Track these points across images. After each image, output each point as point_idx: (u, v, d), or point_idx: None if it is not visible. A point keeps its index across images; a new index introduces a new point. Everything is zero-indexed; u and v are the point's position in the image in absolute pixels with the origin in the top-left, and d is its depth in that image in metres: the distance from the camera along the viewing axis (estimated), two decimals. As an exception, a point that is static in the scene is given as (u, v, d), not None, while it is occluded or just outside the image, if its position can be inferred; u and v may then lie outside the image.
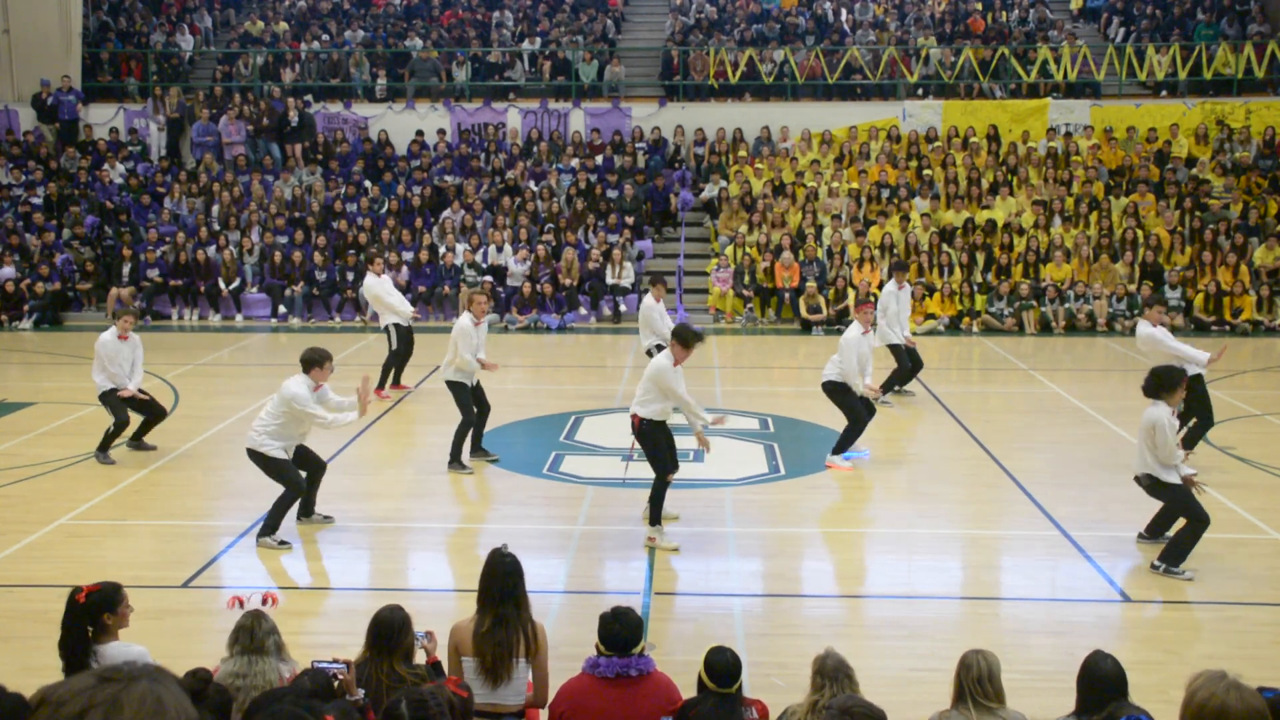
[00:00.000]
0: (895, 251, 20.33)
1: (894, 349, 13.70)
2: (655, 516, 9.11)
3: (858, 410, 11.18)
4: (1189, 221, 21.15)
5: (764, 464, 11.46)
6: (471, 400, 11.17)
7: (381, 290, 14.38)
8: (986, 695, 4.72)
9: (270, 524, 9.06)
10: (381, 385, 14.17)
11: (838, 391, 11.16)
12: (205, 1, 27.89)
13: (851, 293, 19.64)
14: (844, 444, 11.31)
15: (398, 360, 14.40)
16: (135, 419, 11.72)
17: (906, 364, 13.79)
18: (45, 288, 20.15)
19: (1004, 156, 22.86)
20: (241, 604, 5.51)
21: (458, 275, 20.54)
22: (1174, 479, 8.40)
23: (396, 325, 14.28)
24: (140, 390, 11.60)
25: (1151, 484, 8.52)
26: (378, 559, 9.15)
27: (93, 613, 5.19)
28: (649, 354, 12.24)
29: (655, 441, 9.03)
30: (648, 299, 12.97)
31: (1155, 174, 22.33)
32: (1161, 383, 8.44)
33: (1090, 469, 11.20)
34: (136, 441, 11.79)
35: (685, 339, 8.89)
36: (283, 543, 9.02)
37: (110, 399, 11.49)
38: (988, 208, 21.63)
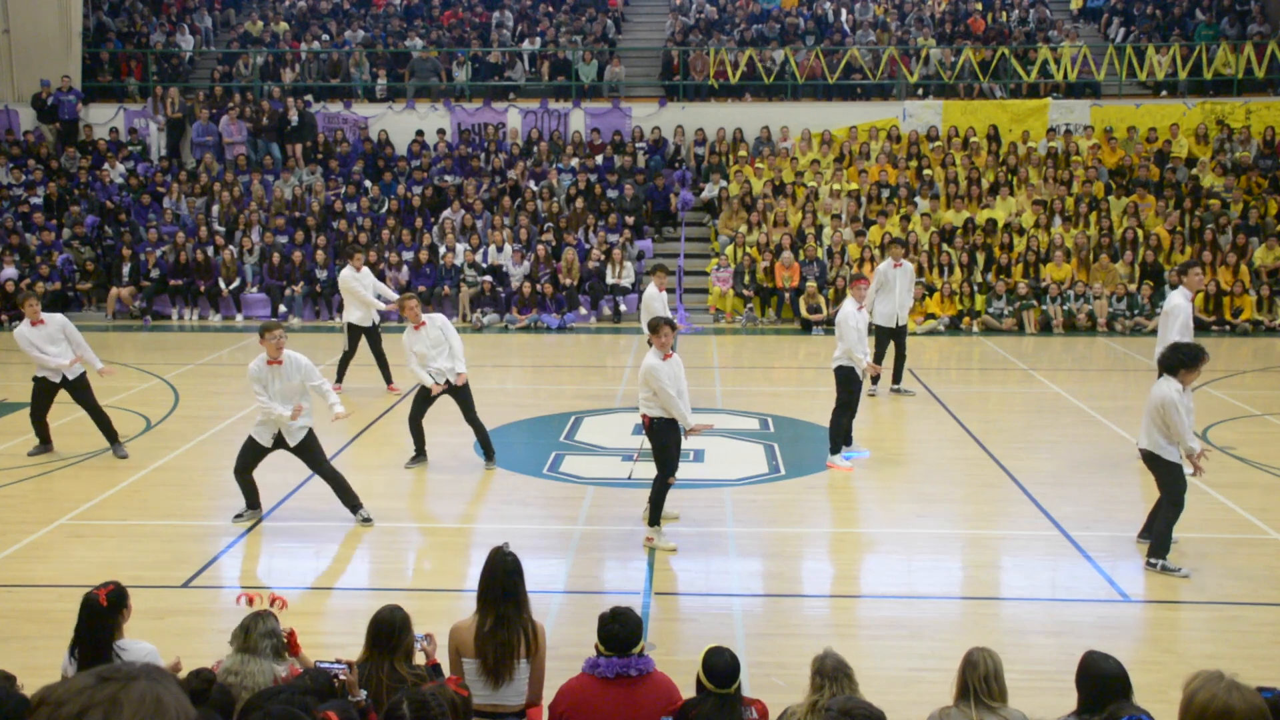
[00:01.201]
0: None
1: (878, 331, 13.83)
2: (655, 517, 9.10)
3: (848, 402, 11.20)
4: (1189, 221, 21.16)
5: (764, 464, 11.45)
6: (423, 403, 10.98)
7: (358, 286, 14.43)
8: (991, 693, 4.73)
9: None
10: (339, 380, 14.46)
11: (841, 377, 11.17)
12: (205, 1, 27.89)
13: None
14: (835, 441, 11.32)
15: (377, 360, 14.62)
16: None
17: (881, 346, 13.86)
18: (45, 288, 20.14)
19: (1004, 156, 22.86)
20: (251, 601, 5.52)
21: (458, 275, 20.54)
22: (1173, 457, 8.38)
23: (351, 325, 14.46)
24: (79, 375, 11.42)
25: (1151, 458, 8.50)
26: (378, 559, 9.15)
27: (113, 612, 5.29)
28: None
29: (665, 440, 8.98)
30: (650, 289, 12.98)
31: (1155, 174, 22.34)
32: (1181, 359, 8.27)
33: (1090, 469, 11.20)
34: (115, 446, 11.62)
35: (651, 327, 9.09)
36: (238, 516, 9.57)
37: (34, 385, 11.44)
38: (988, 208, 21.63)
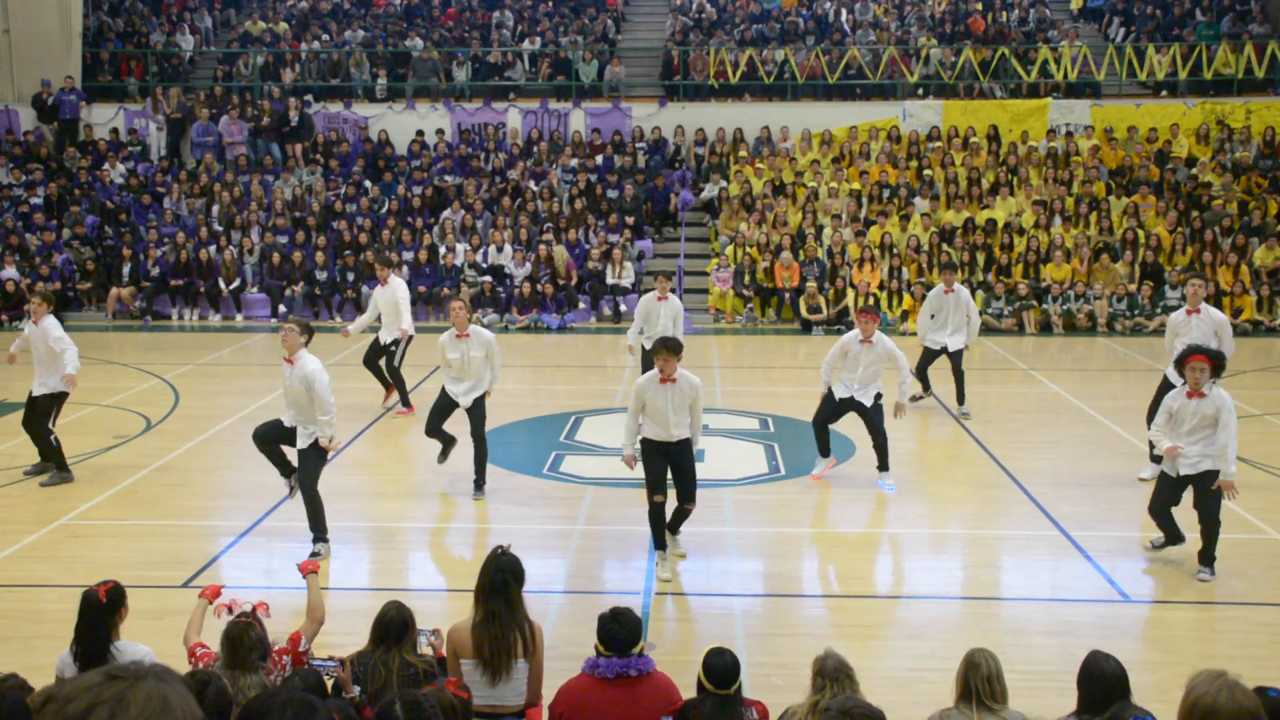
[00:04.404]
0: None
1: (925, 349, 13.31)
2: (658, 541, 8.61)
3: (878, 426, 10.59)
4: (1189, 221, 21.16)
5: (764, 464, 11.46)
6: (440, 414, 10.47)
7: (373, 302, 13.93)
8: (993, 695, 4.74)
9: None
10: (404, 404, 13.74)
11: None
12: (205, 1, 27.90)
13: (851, 293, 19.70)
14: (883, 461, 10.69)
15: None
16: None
17: (926, 364, 13.37)
18: (45, 288, 20.12)
19: (1004, 156, 22.87)
20: (230, 610, 5.46)
21: (458, 275, 20.55)
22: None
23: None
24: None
25: None
26: (378, 559, 9.16)
27: (112, 610, 5.26)
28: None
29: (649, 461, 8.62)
30: (648, 298, 12.67)
31: (1155, 174, 22.34)
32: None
33: (1090, 469, 11.20)
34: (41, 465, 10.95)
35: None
36: (291, 489, 9.28)
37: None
38: (988, 208, 21.64)
